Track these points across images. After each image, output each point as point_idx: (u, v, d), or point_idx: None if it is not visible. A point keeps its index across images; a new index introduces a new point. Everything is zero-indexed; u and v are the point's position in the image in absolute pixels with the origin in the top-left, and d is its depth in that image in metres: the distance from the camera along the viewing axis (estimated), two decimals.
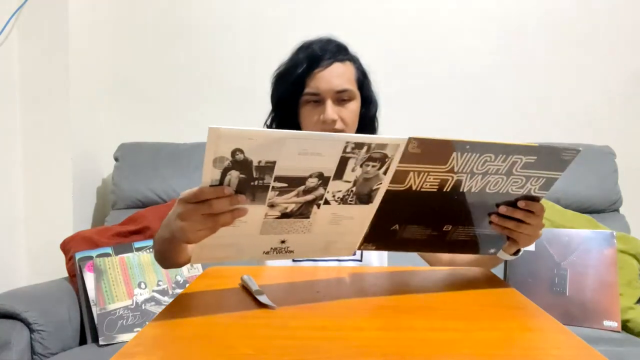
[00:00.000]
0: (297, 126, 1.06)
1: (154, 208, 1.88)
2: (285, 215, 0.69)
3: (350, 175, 0.66)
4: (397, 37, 2.15)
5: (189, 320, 0.63)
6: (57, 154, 1.89)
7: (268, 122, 1.12)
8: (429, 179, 0.69)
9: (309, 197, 0.67)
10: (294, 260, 1.09)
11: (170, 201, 1.91)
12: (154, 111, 2.20)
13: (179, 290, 1.61)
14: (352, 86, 1.03)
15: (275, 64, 1.08)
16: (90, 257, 1.58)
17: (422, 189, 0.70)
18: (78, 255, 1.58)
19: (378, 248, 0.81)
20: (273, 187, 0.64)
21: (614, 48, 2.14)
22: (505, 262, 1.69)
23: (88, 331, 1.54)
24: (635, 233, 1.83)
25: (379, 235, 0.77)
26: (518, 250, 0.86)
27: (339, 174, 0.66)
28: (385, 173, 0.68)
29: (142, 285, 1.58)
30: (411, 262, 1.16)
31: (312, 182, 0.65)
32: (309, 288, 0.79)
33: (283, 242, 0.73)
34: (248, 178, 0.62)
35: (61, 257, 1.67)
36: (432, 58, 2.16)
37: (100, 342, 1.48)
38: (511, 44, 2.15)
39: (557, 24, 2.15)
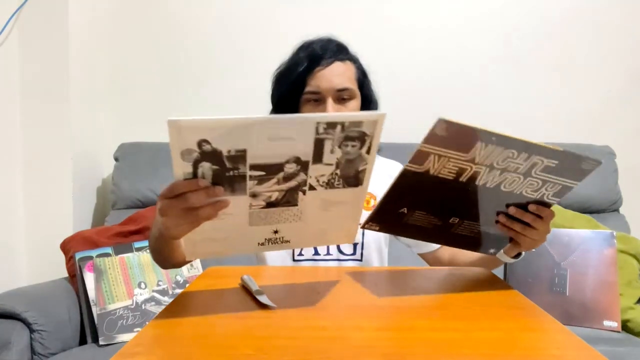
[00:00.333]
0: None
1: (154, 208, 1.88)
2: (271, 205, 0.67)
3: (330, 157, 0.63)
4: (397, 37, 2.15)
5: (189, 320, 0.63)
6: (57, 154, 1.89)
7: None
8: (448, 165, 0.67)
9: (291, 183, 0.65)
10: (294, 260, 1.09)
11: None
12: (154, 111, 2.20)
13: (179, 290, 1.61)
14: (353, 85, 1.04)
15: (275, 63, 1.09)
16: (90, 257, 1.58)
17: (439, 175, 0.68)
18: (78, 255, 1.58)
19: (381, 229, 0.80)
20: (250, 176, 0.62)
21: (614, 48, 2.15)
22: (505, 262, 1.69)
23: (88, 331, 1.54)
24: (635, 233, 1.83)
25: (385, 217, 0.76)
26: (519, 254, 0.86)
27: (318, 157, 0.63)
28: (368, 152, 0.65)
29: (142, 285, 1.58)
30: (411, 262, 1.16)
31: (290, 167, 0.63)
32: (309, 288, 0.79)
33: (276, 232, 0.71)
34: (221, 169, 0.61)
35: (61, 257, 1.67)
36: (432, 58, 2.16)
37: (100, 342, 1.47)
38: (511, 44, 2.15)
39: (557, 23, 2.15)
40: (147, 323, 0.65)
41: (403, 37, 2.15)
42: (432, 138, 0.63)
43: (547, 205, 0.76)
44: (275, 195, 0.66)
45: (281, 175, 0.63)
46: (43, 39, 1.87)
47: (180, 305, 0.71)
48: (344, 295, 0.75)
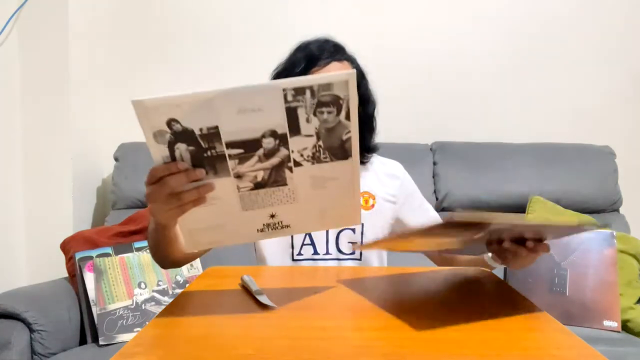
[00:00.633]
0: None
1: None
2: (259, 185, 0.65)
3: (307, 128, 0.61)
4: (395, 37, 2.15)
5: (189, 320, 0.63)
6: (57, 154, 1.89)
7: None
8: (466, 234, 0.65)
9: (274, 160, 0.62)
10: (293, 260, 1.09)
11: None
12: None
13: (179, 290, 1.61)
14: None
15: (273, 64, 1.09)
16: (90, 257, 1.58)
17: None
18: (78, 255, 1.58)
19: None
20: (230, 155, 0.60)
21: (614, 49, 2.15)
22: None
23: (88, 331, 1.54)
24: (635, 233, 1.83)
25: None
26: None
27: (295, 128, 0.60)
28: (348, 118, 0.61)
29: (142, 285, 1.58)
30: (411, 262, 1.16)
31: (268, 142, 0.61)
32: (308, 288, 0.79)
33: (273, 216, 0.69)
34: (198, 149, 0.59)
35: (61, 257, 1.67)
36: (434, 59, 2.16)
37: (100, 342, 1.48)
38: (512, 44, 2.15)
39: (557, 24, 2.15)
40: (147, 323, 0.65)
41: (401, 37, 2.15)
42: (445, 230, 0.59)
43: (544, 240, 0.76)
44: (260, 175, 0.64)
45: (261, 152, 0.61)
46: (43, 39, 1.87)
47: (180, 305, 0.71)
48: (343, 296, 0.75)
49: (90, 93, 2.02)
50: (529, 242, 0.72)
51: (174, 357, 0.53)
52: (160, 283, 1.60)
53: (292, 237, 1.09)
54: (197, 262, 1.70)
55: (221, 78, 2.17)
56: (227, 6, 2.16)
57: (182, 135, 0.58)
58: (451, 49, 2.15)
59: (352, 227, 1.09)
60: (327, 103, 0.59)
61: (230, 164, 0.62)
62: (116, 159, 2.01)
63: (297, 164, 0.64)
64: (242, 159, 0.62)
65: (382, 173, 1.16)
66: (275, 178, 0.65)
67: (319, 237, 1.10)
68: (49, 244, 1.79)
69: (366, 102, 1.10)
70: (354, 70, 0.59)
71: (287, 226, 0.72)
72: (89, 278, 1.55)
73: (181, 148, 0.59)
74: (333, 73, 0.59)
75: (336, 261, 1.10)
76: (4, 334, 1.40)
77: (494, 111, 2.16)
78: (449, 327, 0.60)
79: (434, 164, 1.99)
